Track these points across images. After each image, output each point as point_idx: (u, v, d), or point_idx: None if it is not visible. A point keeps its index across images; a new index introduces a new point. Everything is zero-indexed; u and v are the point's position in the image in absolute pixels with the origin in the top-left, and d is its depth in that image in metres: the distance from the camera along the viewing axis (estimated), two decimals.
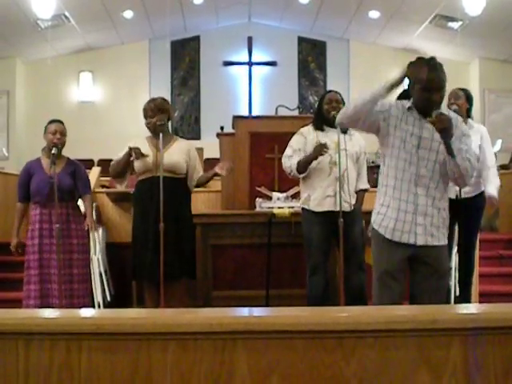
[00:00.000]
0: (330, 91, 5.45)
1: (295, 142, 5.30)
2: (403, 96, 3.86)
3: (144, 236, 5.11)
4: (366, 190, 5.39)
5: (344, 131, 5.17)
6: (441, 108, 3.70)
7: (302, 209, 5.30)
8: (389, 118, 3.77)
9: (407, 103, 3.80)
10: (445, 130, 3.56)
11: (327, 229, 5.13)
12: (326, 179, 5.13)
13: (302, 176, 5.24)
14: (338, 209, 5.02)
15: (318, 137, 5.21)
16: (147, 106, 5.32)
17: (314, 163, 5.15)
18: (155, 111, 5.25)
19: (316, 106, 5.55)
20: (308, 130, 5.32)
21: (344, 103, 5.24)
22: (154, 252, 4.99)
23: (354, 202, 5.21)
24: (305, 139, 5.26)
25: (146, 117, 5.29)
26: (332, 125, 5.09)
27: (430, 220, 3.74)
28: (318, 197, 5.17)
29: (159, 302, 5.04)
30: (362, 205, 5.33)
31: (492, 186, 5.46)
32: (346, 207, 5.13)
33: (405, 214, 3.74)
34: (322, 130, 5.24)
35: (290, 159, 5.21)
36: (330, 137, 5.18)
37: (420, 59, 3.78)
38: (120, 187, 5.31)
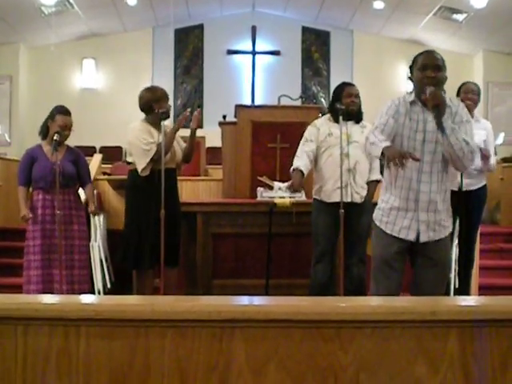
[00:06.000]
0: (347, 84, 5.48)
1: (308, 132, 5.36)
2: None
3: (146, 224, 5.11)
4: (378, 181, 5.39)
5: (357, 122, 5.22)
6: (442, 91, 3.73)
7: (314, 199, 5.37)
8: (398, 117, 3.80)
9: (409, 97, 3.84)
10: (437, 106, 3.61)
11: (335, 219, 5.17)
12: (337, 171, 5.14)
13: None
14: (346, 200, 5.06)
15: (330, 128, 5.25)
16: (163, 93, 5.34)
17: (326, 156, 5.23)
18: (167, 99, 5.33)
19: (330, 98, 5.57)
20: (321, 122, 5.39)
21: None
22: (155, 240, 5.02)
23: (365, 193, 5.23)
24: (318, 130, 5.31)
25: (160, 102, 5.27)
26: (347, 117, 5.15)
27: (433, 215, 3.76)
28: (329, 188, 5.24)
29: (155, 288, 5.08)
30: (373, 196, 5.34)
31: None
32: (357, 198, 5.17)
33: (405, 212, 3.77)
34: (337, 121, 5.23)
35: (296, 160, 5.20)
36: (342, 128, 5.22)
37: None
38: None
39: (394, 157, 3.53)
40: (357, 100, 5.32)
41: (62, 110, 5.37)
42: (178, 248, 5.35)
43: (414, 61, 3.83)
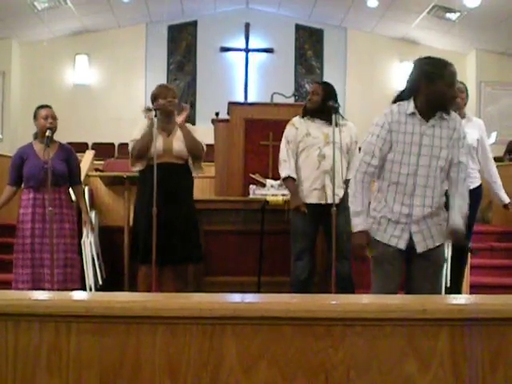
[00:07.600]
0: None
1: (288, 132, 5.31)
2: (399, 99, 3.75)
3: (154, 220, 5.09)
4: None
5: (336, 124, 5.10)
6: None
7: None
8: (391, 135, 3.64)
9: (409, 108, 3.63)
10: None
11: (313, 217, 5.18)
12: (314, 172, 5.16)
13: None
14: (323, 202, 5.07)
15: (308, 128, 5.22)
16: (160, 90, 5.28)
17: (303, 156, 5.21)
18: (175, 95, 5.27)
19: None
20: (299, 121, 5.32)
21: (328, 91, 5.27)
22: (164, 236, 5.02)
23: (342, 193, 5.18)
24: (296, 130, 5.27)
25: (157, 99, 5.22)
26: (321, 116, 5.14)
27: (427, 227, 3.70)
28: (305, 189, 5.23)
29: (153, 285, 5.07)
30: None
31: (503, 192, 5.63)
32: (335, 199, 5.15)
33: (396, 224, 3.71)
34: (313, 121, 5.22)
35: (285, 166, 5.26)
36: (320, 128, 5.20)
37: (431, 58, 3.79)
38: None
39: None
40: (314, 97, 5.25)
41: (41, 105, 5.42)
42: (190, 245, 5.30)
43: (437, 72, 3.64)
